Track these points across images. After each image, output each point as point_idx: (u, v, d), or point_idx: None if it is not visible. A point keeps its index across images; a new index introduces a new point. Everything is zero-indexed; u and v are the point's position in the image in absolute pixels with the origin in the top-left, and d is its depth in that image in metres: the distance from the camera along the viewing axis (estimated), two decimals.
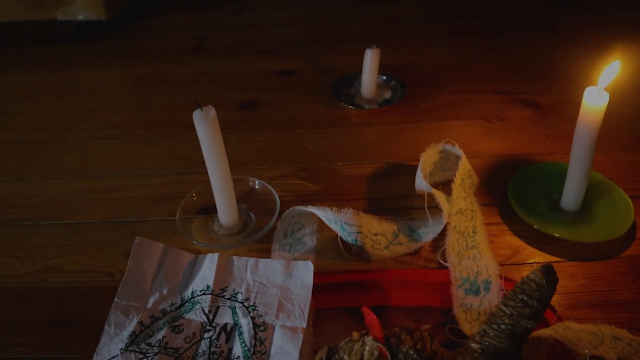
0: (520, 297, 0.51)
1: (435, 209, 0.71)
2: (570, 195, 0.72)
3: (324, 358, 0.51)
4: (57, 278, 0.70)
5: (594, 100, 0.64)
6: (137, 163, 0.89)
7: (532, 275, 0.51)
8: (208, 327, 0.59)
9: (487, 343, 0.50)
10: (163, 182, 0.84)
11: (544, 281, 0.50)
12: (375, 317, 0.50)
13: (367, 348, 0.50)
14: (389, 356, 0.49)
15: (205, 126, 0.63)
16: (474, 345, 0.51)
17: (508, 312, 0.50)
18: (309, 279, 0.61)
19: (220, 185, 0.69)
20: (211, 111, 0.63)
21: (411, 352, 0.49)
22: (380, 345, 0.49)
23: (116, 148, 0.93)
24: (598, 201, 0.74)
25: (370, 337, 0.50)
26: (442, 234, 0.70)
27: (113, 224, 0.78)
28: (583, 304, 0.63)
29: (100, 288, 0.68)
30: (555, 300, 0.63)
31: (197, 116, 0.63)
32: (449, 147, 0.78)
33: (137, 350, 0.56)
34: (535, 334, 0.55)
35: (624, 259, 0.68)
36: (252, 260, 0.64)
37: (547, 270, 0.51)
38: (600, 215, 0.72)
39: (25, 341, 0.63)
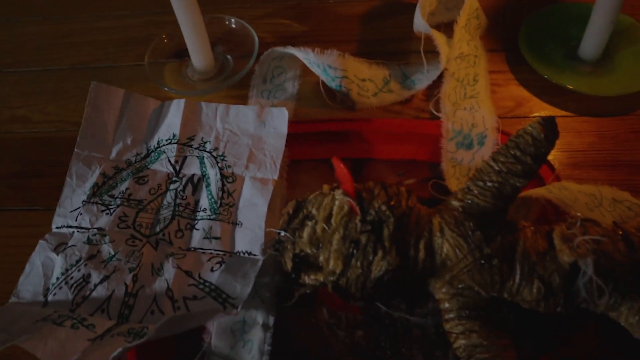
0: (512, 152, 0.44)
1: (434, 53, 0.62)
2: (591, 40, 0.62)
3: (291, 212, 0.47)
4: (24, 128, 0.66)
5: None
6: (109, 3, 0.80)
7: (530, 128, 0.44)
8: (174, 178, 0.55)
9: (469, 201, 0.45)
10: (136, 24, 0.76)
11: (542, 135, 0.44)
12: (345, 169, 0.45)
13: (336, 203, 0.45)
14: (359, 212, 0.44)
15: None
16: (454, 203, 0.46)
17: (497, 168, 0.45)
18: (283, 128, 0.56)
19: (189, 24, 0.61)
20: None
21: (383, 207, 0.44)
22: (350, 199, 0.45)
23: None
24: (623, 50, 0.64)
25: (340, 191, 0.46)
26: (438, 82, 0.62)
27: (82, 70, 0.71)
28: (587, 163, 0.57)
29: (68, 138, 0.63)
30: (557, 157, 0.58)
31: None
32: None
33: (100, 202, 0.53)
34: (526, 193, 0.51)
35: None
36: (222, 106, 0.58)
37: (548, 123, 0.44)
38: (622, 66, 0.63)
39: None
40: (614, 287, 0.42)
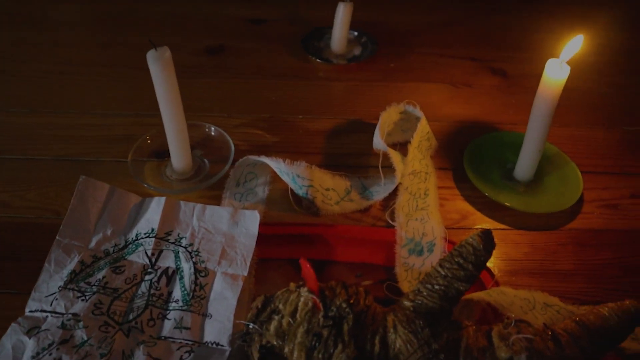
0: (456, 260, 0.52)
1: (390, 168, 0.71)
2: (524, 165, 0.73)
3: (260, 306, 0.51)
4: (3, 213, 0.69)
5: (555, 73, 0.64)
6: (95, 102, 0.86)
7: (470, 240, 0.52)
8: (150, 270, 0.59)
9: (419, 302, 0.51)
10: (120, 123, 0.82)
11: (481, 246, 0.51)
12: (311, 269, 0.51)
13: (302, 299, 0.50)
14: (321, 308, 0.49)
15: (159, 67, 0.61)
16: (406, 303, 0.52)
17: (443, 273, 0.52)
18: (254, 229, 0.61)
19: (173, 129, 0.68)
20: (166, 52, 0.61)
21: (344, 305, 0.50)
22: (314, 297, 0.50)
23: (75, 85, 0.90)
24: (550, 173, 0.75)
25: (305, 289, 0.51)
26: (394, 194, 0.70)
27: (64, 161, 0.76)
28: (523, 271, 0.65)
29: (47, 225, 0.66)
30: (496, 265, 0.65)
31: (151, 56, 0.61)
32: (410, 108, 0.77)
33: (76, 288, 0.56)
34: (469, 296, 0.57)
35: (567, 231, 0.70)
36: (199, 206, 0.64)
37: (486, 236, 0.52)
38: (550, 187, 0.74)
39: None
40: None
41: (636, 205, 0.73)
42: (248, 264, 0.59)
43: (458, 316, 0.55)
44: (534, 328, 0.51)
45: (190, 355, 0.52)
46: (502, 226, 0.70)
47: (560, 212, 0.70)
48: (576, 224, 0.70)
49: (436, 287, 0.51)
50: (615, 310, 0.52)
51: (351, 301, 0.50)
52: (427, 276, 0.52)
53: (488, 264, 0.64)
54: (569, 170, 0.75)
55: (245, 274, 0.58)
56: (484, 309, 0.58)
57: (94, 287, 0.56)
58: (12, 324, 0.53)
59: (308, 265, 0.51)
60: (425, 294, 0.51)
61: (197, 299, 0.56)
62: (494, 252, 0.65)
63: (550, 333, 0.50)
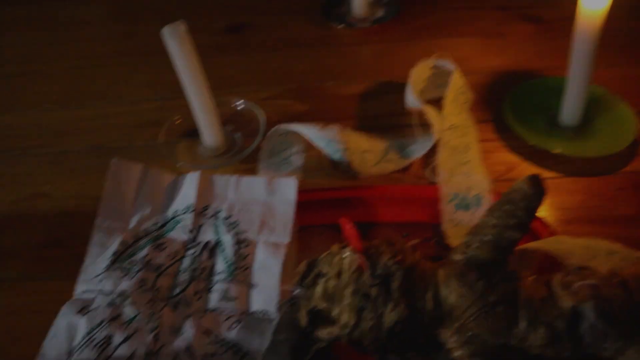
0: (505, 207, 0.48)
1: (427, 126, 0.68)
2: (569, 108, 0.69)
3: (304, 271, 0.50)
4: (46, 204, 0.70)
5: (592, 3, 0.59)
6: (123, 91, 0.86)
7: (519, 185, 0.49)
8: (191, 245, 0.58)
9: (471, 254, 0.48)
10: (149, 108, 0.82)
11: (531, 191, 0.48)
12: (353, 228, 0.49)
13: (346, 260, 0.48)
14: (367, 268, 0.47)
15: (176, 41, 0.60)
16: (457, 257, 0.49)
17: (492, 222, 0.48)
18: (292, 195, 0.60)
19: (200, 104, 0.67)
20: (181, 26, 0.60)
21: (390, 262, 0.47)
22: (359, 256, 0.48)
23: (101, 77, 0.90)
24: (600, 116, 0.70)
25: (349, 250, 0.49)
26: (433, 151, 0.67)
27: (99, 150, 0.76)
28: (580, 219, 0.61)
29: (87, 212, 0.66)
30: (550, 215, 0.62)
31: (167, 32, 0.60)
32: (441, 62, 0.74)
33: (121, 268, 0.56)
34: (524, 246, 0.54)
35: (625, 174, 0.65)
36: (234, 177, 0.63)
37: (534, 180, 0.49)
38: (601, 130, 0.69)
39: (15, 264, 0.64)
40: (617, 330, 0.44)
41: None
42: (289, 231, 0.57)
43: (514, 268, 0.52)
44: (599, 275, 0.47)
45: (238, 324, 0.51)
46: (553, 174, 0.66)
47: (614, 155, 0.66)
48: (634, 167, 0.66)
49: (486, 237, 0.48)
50: None
51: (398, 258, 0.48)
52: (476, 227, 0.49)
53: (541, 215, 0.61)
54: (620, 110, 0.70)
55: (287, 241, 0.57)
56: (542, 260, 0.54)
57: (138, 265, 0.56)
58: (63, 306, 0.54)
59: (350, 225, 0.49)
60: (475, 245, 0.48)
61: (241, 270, 0.55)
62: (547, 202, 0.63)
63: (617, 280, 0.47)
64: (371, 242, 0.50)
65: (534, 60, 0.82)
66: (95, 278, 0.56)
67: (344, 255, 0.49)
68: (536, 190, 0.48)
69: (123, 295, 0.53)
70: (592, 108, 0.70)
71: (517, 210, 0.48)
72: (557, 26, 0.89)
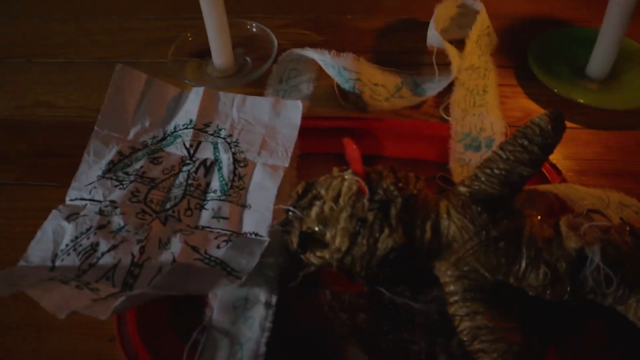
0: (520, 142, 0.45)
1: (446, 65, 0.64)
2: (599, 60, 0.65)
3: (301, 192, 0.48)
4: (47, 113, 0.69)
5: None
6: (137, 6, 0.84)
7: (537, 119, 0.45)
8: (188, 161, 0.56)
9: (476, 187, 0.46)
10: (162, 26, 0.79)
11: (550, 126, 0.45)
12: (357, 149, 0.46)
13: (345, 183, 0.46)
14: (367, 192, 0.45)
15: None
16: (462, 189, 0.46)
17: (505, 156, 0.46)
18: (297, 119, 0.57)
19: (213, 22, 0.64)
20: None
21: (392, 188, 0.45)
22: (359, 179, 0.45)
23: None
24: (629, 71, 0.66)
25: (349, 172, 0.46)
26: (449, 90, 0.64)
27: (106, 63, 0.74)
28: (595, 171, 0.58)
29: (88, 123, 0.64)
30: (564, 165, 0.58)
31: None
32: (469, 0, 0.70)
33: (114, 177, 0.55)
34: (533, 187, 0.51)
35: None
36: (239, 96, 0.60)
37: (555, 115, 0.45)
38: (628, 84, 0.65)
39: (12, 168, 0.63)
40: (621, 277, 0.42)
41: None
42: (290, 154, 0.55)
43: (520, 207, 0.49)
44: (609, 220, 0.45)
45: (227, 244, 0.49)
46: (573, 125, 0.62)
47: (639, 111, 0.62)
48: None
49: (496, 171, 0.45)
50: None
51: (400, 185, 0.46)
52: (487, 160, 0.46)
53: (554, 162, 0.58)
54: None
55: (287, 164, 0.55)
56: (551, 203, 0.52)
57: (131, 176, 0.54)
58: (53, 211, 0.52)
59: (354, 146, 0.47)
60: (483, 179, 0.46)
61: (236, 189, 0.53)
62: (561, 151, 0.60)
63: (628, 228, 0.44)
64: (374, 167, 0.48)
65: (565, 10, 0.78)
66: (89, 186, 0.54)
67: (343, 179, 0.47)
68: (556, 126, 0.45)
69: (113, 204, 0.51)
70: (622, 62, 0.66)
71: (533, 145, 0.45)
72: None
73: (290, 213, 0.47)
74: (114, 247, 0.48)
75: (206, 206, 0.53)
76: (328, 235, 0.45)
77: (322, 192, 0.47)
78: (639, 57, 0.68)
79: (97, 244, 0.48)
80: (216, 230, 0.51)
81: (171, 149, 0.57)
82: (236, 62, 0.69)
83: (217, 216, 0.52)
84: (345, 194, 0.46)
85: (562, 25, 0.75)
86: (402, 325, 0.47)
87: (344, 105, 0.64)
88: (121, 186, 0.54)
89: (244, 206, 0.53)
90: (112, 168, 0.55)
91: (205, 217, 0.52)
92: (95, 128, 0.59)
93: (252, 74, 0.67)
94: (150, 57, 0.73)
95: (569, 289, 0.43)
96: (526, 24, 0.76)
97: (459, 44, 0.69)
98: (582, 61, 0.67)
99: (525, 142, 0.45)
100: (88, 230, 0.49)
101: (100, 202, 0.52)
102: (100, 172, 0.55)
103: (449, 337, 0.45)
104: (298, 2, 0.81)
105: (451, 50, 0.64)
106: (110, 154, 0.57)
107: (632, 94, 0.63)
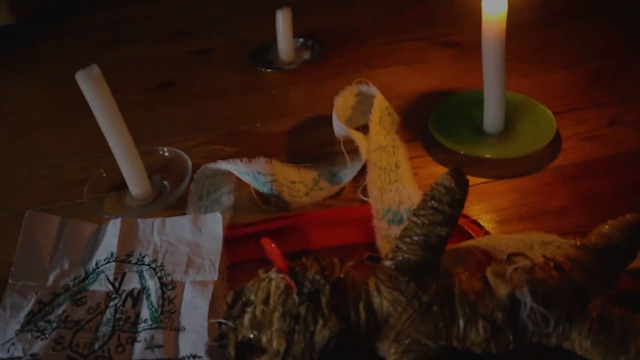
0: (430, 204, 0.47)
1: (356, 151, 0.67)
2: (491, 116, 0.70)
3: (230, 302, 0.47)
4: None
5: (493, 8, 0.62)
6: (49, 154, 0.83)
7: (440, 180, 0.47)
8: (114, 295, 0.54)
9: (400, 258, 0.46)
10: (74, 168, 0.79)
11: (453, 183, 0.47)
12: (276, 248, 0.46)
13: (273, 283, 0.46)
14: (294, 286, 0.44)
15: (90, 83, 0.58)
16: (387, 263, 0.47)
17: (420, 222, 0.47)
18: (219, 231, 0.57)
19: (123, 155, 0.64)
20: (94, 69, 0.59)
21: (317, 277, 0.45)
22: (284, 276, 0.45)
23: (26, 143, 0.87)
24: (521, 120, 0.72)
25: (274, 270, 0.46)
26: (363, 172, 0.66)
27: (20, 215, 0.72)
28: (513, 218, 0.60)
29: (2, 279, 0.62)
30: (485, 218, 0.61)
31: (81, 75, 0.58)
32: (364, 87, 0.75)
33: (34, 329, 0.51)
34: (457, 245, 0.52)
35: (551, 170, 0.66)
36: (157, 220, 0.60)
37: (456, 171, 0.47)
38: (523, 132, 0.70)
39: None
40: (557, 313, 0.42)
41: (617, 132, 0.70)
42: (217, 267, 0.54)
43: (450, 268, 0.50)
44: (532, 260, 0.46)
45: None
46: (484, 179, 0.65)
47: (539, 153, 0.67)
48: (560, 161, 0.66)
49: (415, 238, 0.46)
50: (616, 225, 0.47)
51: (325, 272, 0.46)
52: (404, 230, 0.47)
53: (475, 218, 0.60)
54: (539, 112, 0.72)
55: (215, 278, 0.53)
56: (479, 260, 0.53)
57: (53, 323, 0.51)
58: None
59: (272, 245, 0.47)
60: (405, 248, 0.46)
61: (167, 314, 0.51)
62: (478, 206, 0.62)
63: (552, 263, 0.45)
64: (297, 261, 0.48)
65: (454, 80, 0.85)
66: (6, 344, 0.50)
67: (270, 279, 0.46)
68: (459, 181, 0.47)
69: (35, 357, 0.48)
70: (513, 113, 0.72)
71: (442, 205, 0.46)
72: (474, 48, 0.91)
73: (223, 325, 0.45)
74: None
75: (138, 338, 0.50)
76: (264, 340, 0.44)
77: (252, 296, 0.46)
78: (525, 106, 0.74)
79: None
80: None
81: (95, 287, 0.55)
82: (154, 188, 0.69)
83: (150, 346, 0.49)
84: (274, 294, 0.45)
85: (453, 92, 0.81)
86: None
87: (266, 209, 0.64)
88: (43, 336, 0.50)
89: (177, 330, 0.50)
90: (32, 319, 0.52)
91: (138, 350, 0.49)
92: (10, 281, 0.56)
93: (172, 197, 0.68)
94: (67, 200, 0.72)
95: (511, 337, 0.42)
96: (422, 97, 0.82)
97: (365, 129, 0.73)
98: (479, 120, 0.72)
99: (435, 204, 0.47)
100: None
101: (19, 358, 0.48)
102: (18, 327, 0.52)
103: None
104: (209, 121, 0.84)
105: (357, 136, 0.68)
106: (29, 305, 0.54)
107: (528, 140, 0.68)
